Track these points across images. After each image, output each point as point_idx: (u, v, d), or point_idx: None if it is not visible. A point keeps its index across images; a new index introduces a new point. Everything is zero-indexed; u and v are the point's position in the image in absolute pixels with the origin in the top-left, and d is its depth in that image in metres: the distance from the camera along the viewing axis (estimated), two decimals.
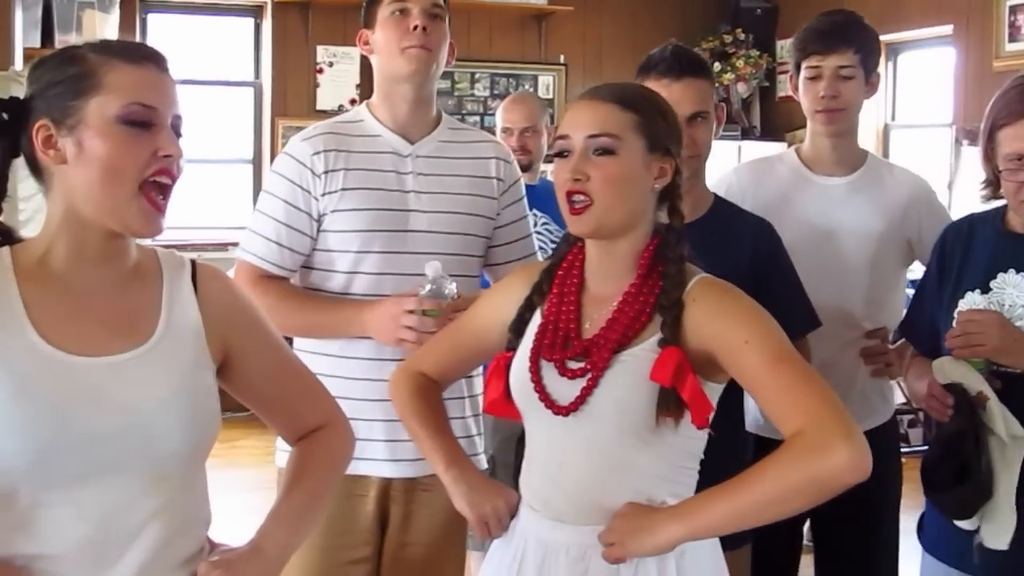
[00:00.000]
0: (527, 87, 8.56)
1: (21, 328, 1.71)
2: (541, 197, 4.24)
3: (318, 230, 2.71)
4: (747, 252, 2.66)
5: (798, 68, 3.13)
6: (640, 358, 2.01)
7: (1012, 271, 2.57)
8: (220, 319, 1.89)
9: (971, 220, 2.77)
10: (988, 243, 2.66)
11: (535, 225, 4.03)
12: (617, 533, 1.99)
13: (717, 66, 8.60)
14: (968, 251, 2.69)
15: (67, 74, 1.73)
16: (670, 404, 1.98)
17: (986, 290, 2.60)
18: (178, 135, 1.78)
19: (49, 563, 1.69)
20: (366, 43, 2.81)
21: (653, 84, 2.63)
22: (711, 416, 2.02)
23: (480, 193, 2.83)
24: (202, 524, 1.87)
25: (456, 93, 8.56)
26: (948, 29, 7.34)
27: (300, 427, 2.05)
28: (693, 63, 2.73)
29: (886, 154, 7.66)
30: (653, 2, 8.88)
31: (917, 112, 8.01)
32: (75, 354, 1.72)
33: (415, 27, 2.68)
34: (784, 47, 8.48)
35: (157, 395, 1.76)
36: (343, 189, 2.69)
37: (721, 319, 2.01)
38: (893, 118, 8.07)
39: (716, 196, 2.84)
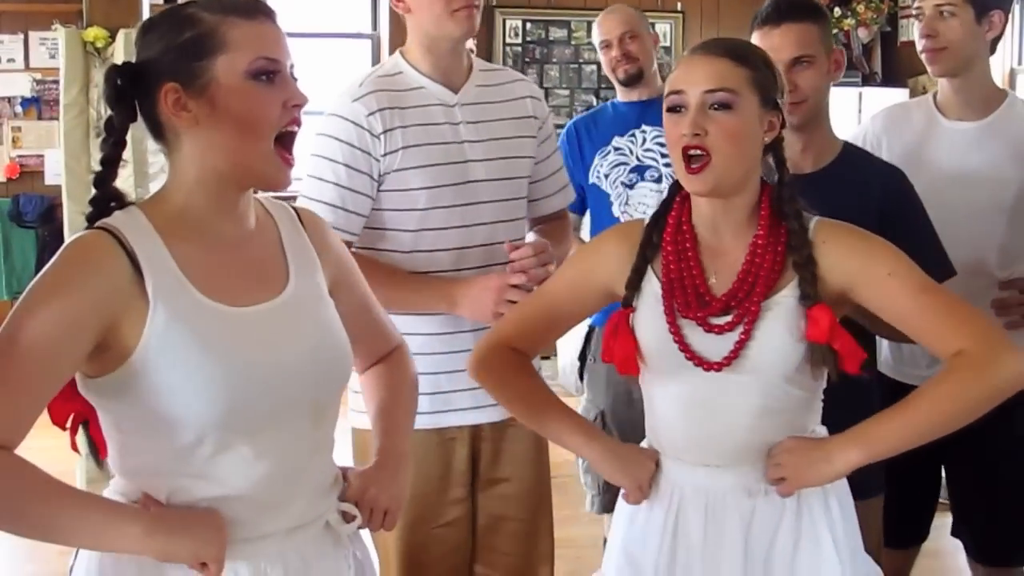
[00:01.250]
0: None
1: (183, 286, 1.76)
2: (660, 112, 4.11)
3: (377, 190, 2.69)
4: (877, 199, 2.63)
5: None
6: (783, 306, 2.06)
7: None
8: (327, 258, 1.99)
9: None
10: None
11: (644, 142, 3.96)
12: (788, 468, 2.06)
13: (837, 11, 8.44)
14: None
15: (186, 36, 1.77)
16: (825, 357, 2.04)
17: None
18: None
19: (230, 503, 1.78)
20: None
21: (757, 34, 2.65)
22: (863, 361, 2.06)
23: (523, 134, 2.83)
24: (332, 450, 1.99)
25: (573, 42, 8.52)
26: None
27: (379, 352, 2.15)
28: (795, 7, 2.70)
29: None
30: None
31: None
32: (232, 306, 1.79)
33: None
34: None
35: (314, 336, 1.87)
36: (403, 147, 2.67)
37: (858, 256, 2.07)
38: (1020, 62, 7.84)
39: (845, 143, 2.81)
